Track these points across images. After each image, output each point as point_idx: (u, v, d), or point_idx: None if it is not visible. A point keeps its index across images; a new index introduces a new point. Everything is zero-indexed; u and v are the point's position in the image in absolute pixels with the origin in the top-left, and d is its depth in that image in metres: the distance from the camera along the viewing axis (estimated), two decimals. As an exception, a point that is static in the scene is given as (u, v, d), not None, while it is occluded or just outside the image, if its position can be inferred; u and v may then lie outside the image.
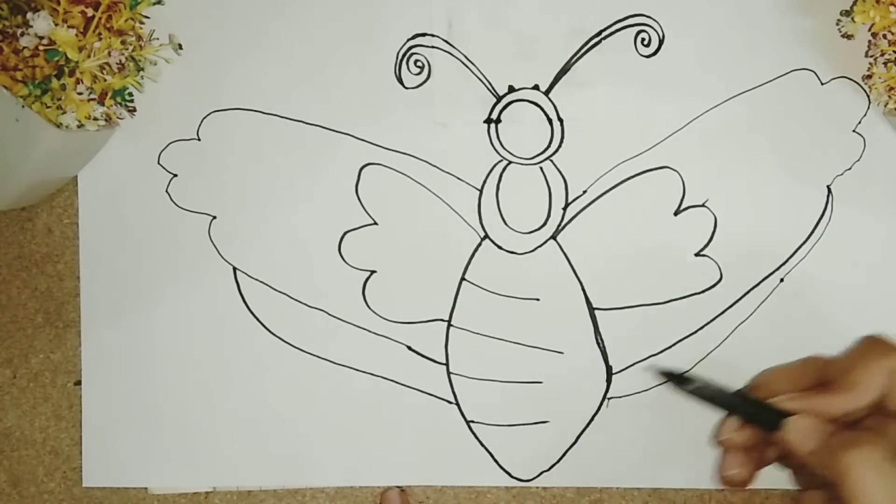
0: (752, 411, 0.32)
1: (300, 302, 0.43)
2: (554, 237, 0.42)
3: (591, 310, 0.42)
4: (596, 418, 0.42)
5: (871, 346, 0.32)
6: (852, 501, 0.29)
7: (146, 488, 0.44)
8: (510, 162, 0.42)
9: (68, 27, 0.38)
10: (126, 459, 0.43)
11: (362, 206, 0.43)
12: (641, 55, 0.42)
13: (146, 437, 0.43)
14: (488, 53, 0.42)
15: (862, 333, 0.42)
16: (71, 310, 0.44)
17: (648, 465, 0.42)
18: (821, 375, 0.32)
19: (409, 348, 0.43)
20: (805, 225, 0.42)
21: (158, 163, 0.43)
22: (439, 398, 0.43)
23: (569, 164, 0.42)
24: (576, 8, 0.42)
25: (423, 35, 0.43)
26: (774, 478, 0.42)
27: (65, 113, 0.39)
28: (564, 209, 0.42)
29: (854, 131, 0.42)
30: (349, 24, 0.43)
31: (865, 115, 0.42)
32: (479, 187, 0.43)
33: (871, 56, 0.40)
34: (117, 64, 0.40)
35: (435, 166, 0.43)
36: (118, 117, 0.42)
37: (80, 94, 0.39)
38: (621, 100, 0.42)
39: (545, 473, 0.42)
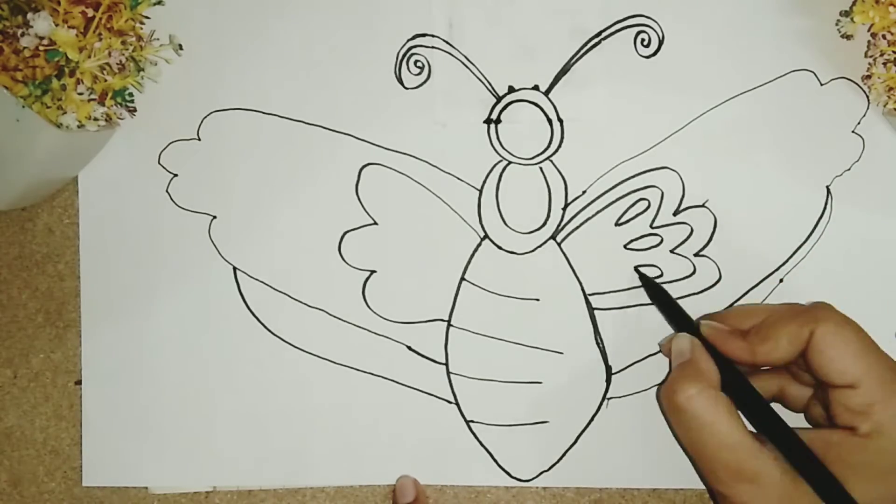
0: (681, 325, 0.39)
1: (300, 302, 0.43)
2: (553, 237, 0.42)
3: (591, 310, 0.42)
4: (596, 418, 0.42)
5: (802, 310, 0.36)
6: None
7: (146, 488, 0.44)
8: (510, 162, 0.42)
9: (69, 27, 0.38)
10: (126, 459, 0.43)
11: (362, 206, 0.43)
12: (641, 55, 0.42)
13: (146, 437, 0.43)
14: (488, 54, 0.42)
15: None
16: (71, 310, 0.44)
17: (648, 465, 0.42)
18: (760, 321, 0.37)
19: (409, 348, 0.43)
20: (804, 225, 0.42)
21: (159, 163, 0.43)
22: (439, 398, 0.43)
23: (568, 164, 0.42)
24: (575, 8, 0.42)
25: (423, 35, 0.43)
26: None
27: (65, 113, 0.39)
28: (564, 209, 0.42)
29: (853, 132, 0.42)
30: (349, 24, 0.43)
31: (865, 115, 0.42)
32: (479, 187, 0.43)
33: (871, 56, 0.40)
34: (118, 64, 0.40)
35: (435, 166, 0.43)
36: (118, 117, 0.42)
37: (80, 94, 0.39)
38: (621, 100, 0.42)
39: (545, 473, 0.42)
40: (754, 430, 0.35)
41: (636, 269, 0.41)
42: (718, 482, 0.34)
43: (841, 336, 0.34)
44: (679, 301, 0.42)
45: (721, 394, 0.35)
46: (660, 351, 0.42)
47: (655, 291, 0.41)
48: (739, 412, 0.35)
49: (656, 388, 0.42)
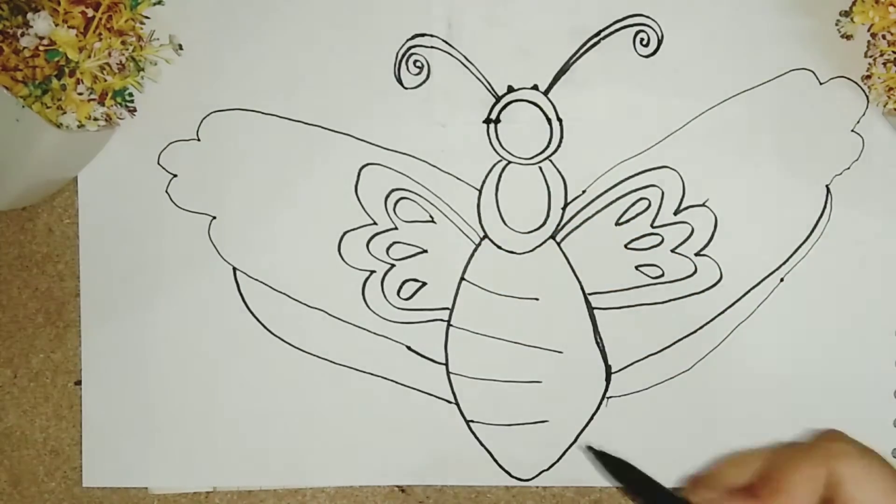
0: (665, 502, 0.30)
1: (300, 302, 0.43)
2: (553, 237, 0.42)
3: (591, 309, 0.42)
4: (595, 418, 0.42)
5: (813, 447, 0.28)
6: None
7: (146, 488, 0.44)
8: (509, 162, 0.42)
9: (68, 27, 0.38)
10: (126, 459, 0.43)
11: (362, 206, 0.43)
12: (640, 55, 0.42)
13: (146, 437, 0.43)
14: (487, 53, 0.42)
15: (861, 332, 0.42)
16: (71, 310, 0.44)
17: (648, 465, 0.42)
18: (763, 469, 0.28)
19: (409, 348, 0.43)
20: (804, 224, 0.42)
21: (158, 163, 0.43)
22: (439, 398, 0.43)
23: (568, 163, 0.42)
24: (575, 8, 0.42)
25: (423, 35, 0.43)
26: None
27: (65, 113, 0.39)
28: (563, 209, 0.42)
29: (853, 131, 0.42)
30: (349, 24, 0.43)
31: (864, 114, 0.42)
32: (479, 187, 0.43)
33: (871, 56, 0.40)
34: (117, 64, 0.40)
35: (434, 166, 0.43)
36: (118, 117, 0.42)
37: (80, 94, 0.39)
38: (620, 100, 0.42)
39: (545, 473, 0.42)
40: None
41: (591, 449, 0.32)
42: None
43: (867, 473, 0.27)
44: (679, 301, 0.42)
45: None
46: (660, 350, 0.42)
47: (623, 470, 0.33)
48: None
49: (656, 387, 0.42)
